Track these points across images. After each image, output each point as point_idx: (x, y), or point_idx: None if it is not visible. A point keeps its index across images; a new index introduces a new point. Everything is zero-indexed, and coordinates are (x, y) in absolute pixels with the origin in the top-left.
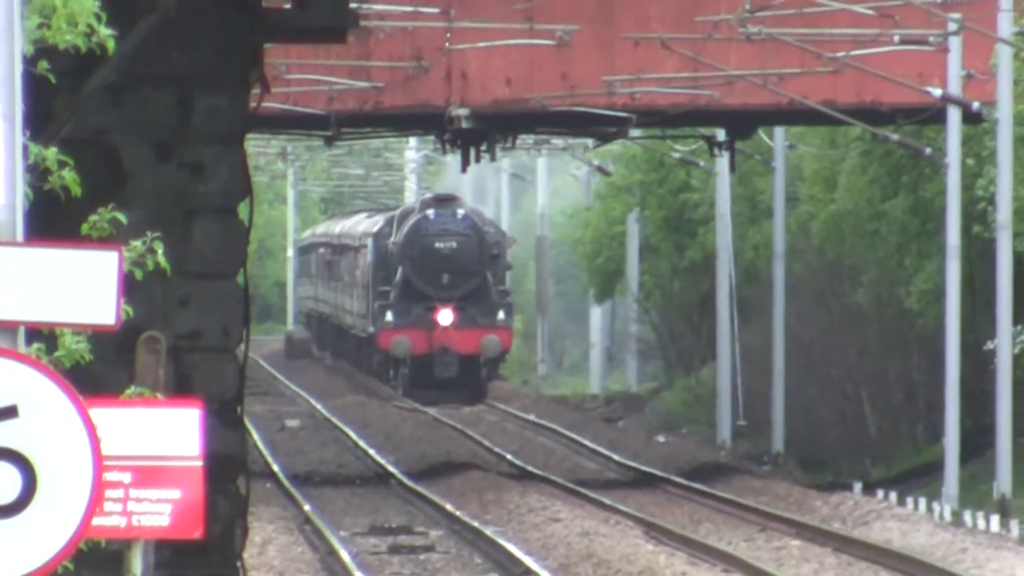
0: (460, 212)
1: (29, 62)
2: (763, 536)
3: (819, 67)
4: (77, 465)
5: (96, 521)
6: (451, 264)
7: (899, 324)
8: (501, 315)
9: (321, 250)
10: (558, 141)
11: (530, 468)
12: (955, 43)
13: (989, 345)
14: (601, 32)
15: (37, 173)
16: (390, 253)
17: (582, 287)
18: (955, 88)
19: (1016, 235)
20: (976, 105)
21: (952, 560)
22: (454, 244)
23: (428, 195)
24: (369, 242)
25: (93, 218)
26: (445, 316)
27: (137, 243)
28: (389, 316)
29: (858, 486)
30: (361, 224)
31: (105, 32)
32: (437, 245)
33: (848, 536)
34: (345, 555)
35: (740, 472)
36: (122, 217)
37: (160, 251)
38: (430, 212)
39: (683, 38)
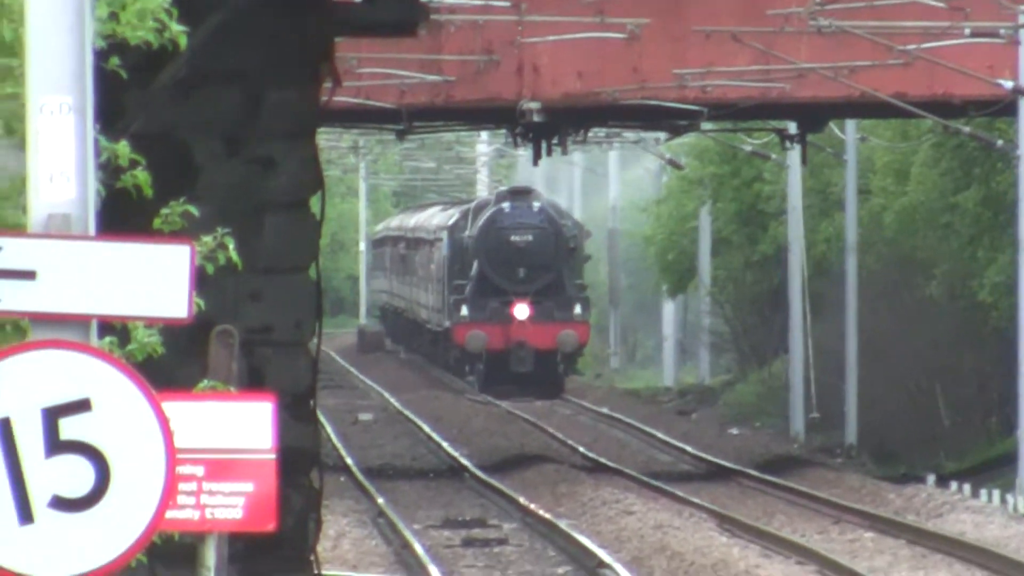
0: (536, 205)
1: (100, 57)
2: (837, 528)
3: (890, 59)
4: (150, 458)
5: (169, 514)
6: (527, 258)
7: (972, 316)
8: (578, 309)
9: (395, 243)
10: (629, 134)
11: (603, 461)
12: None
13: None
14: (671, 25)
15: (109, 171)
16: (465, 247)
17: (655, 282)
18: None
19: None
20: None
21: None
22: (530, 237)
23: (504, 188)
24: (444, 235)
25: (164, 211)
26: (521, 310)
27: (208, 238)
28: (464, 311)
29: (931, 478)
30: (436, 217)
31: (176, 28)
32: (513, 238)
33: (922, 528)
34: (419, 548)
35: (813, 464)
36: (194, 210)
37: (231, 246)
38: (506, 205)
39: (754, 31)
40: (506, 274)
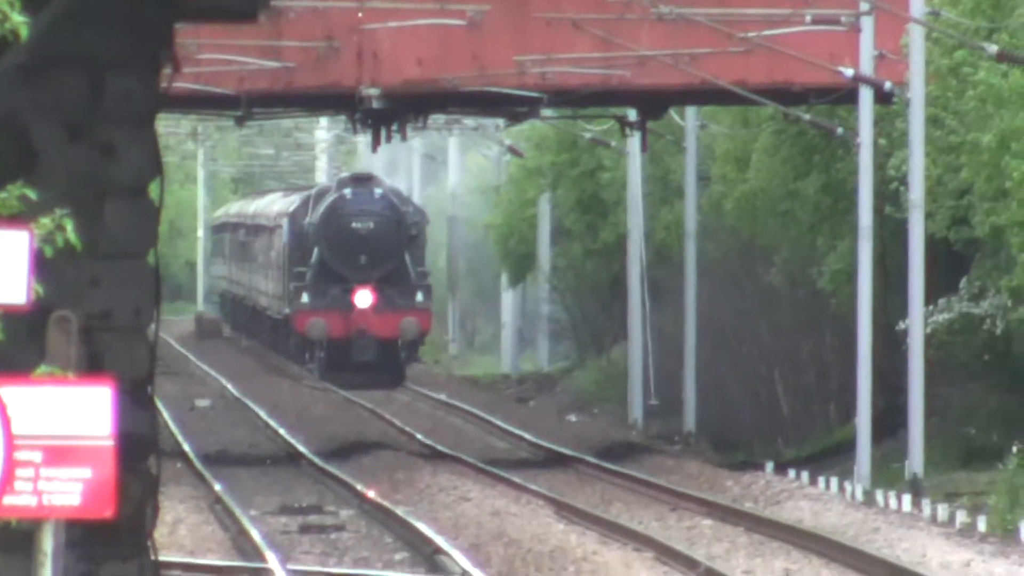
0: (378, 192)
1: None
2: (675, 515)
3: (731, 47)
4: None
5: (6, 500)
6: (369, 245)
7: (812, 304)
8: (420, 297)
9: (235, 230)
10: (469, 121)
11: (441, 448)
12: (867, 23)
13: (901, 325)
14: (513, 12)
15: None
16: (306, 233)
17: (495, 270)
18: (867, 68)
19: (928, 215)
20: (888, 85)
21: (864, 539)
22: (372, 224)
23: (345, 174)
24: (284, 222)
25: (2, 195)
26: (363, 298)
27: (46, 220)
28: (305, 298)
29: (770, 466)
30: (276, 204)
31: (18, 19)
32: (354, 225)
33: (760, 516)
34: (256, 534)
35: (652, 452)
36: (31, 193)
37: (70, 228)
38: (347, 192)
39: (595, 18)
40: (347, 261)
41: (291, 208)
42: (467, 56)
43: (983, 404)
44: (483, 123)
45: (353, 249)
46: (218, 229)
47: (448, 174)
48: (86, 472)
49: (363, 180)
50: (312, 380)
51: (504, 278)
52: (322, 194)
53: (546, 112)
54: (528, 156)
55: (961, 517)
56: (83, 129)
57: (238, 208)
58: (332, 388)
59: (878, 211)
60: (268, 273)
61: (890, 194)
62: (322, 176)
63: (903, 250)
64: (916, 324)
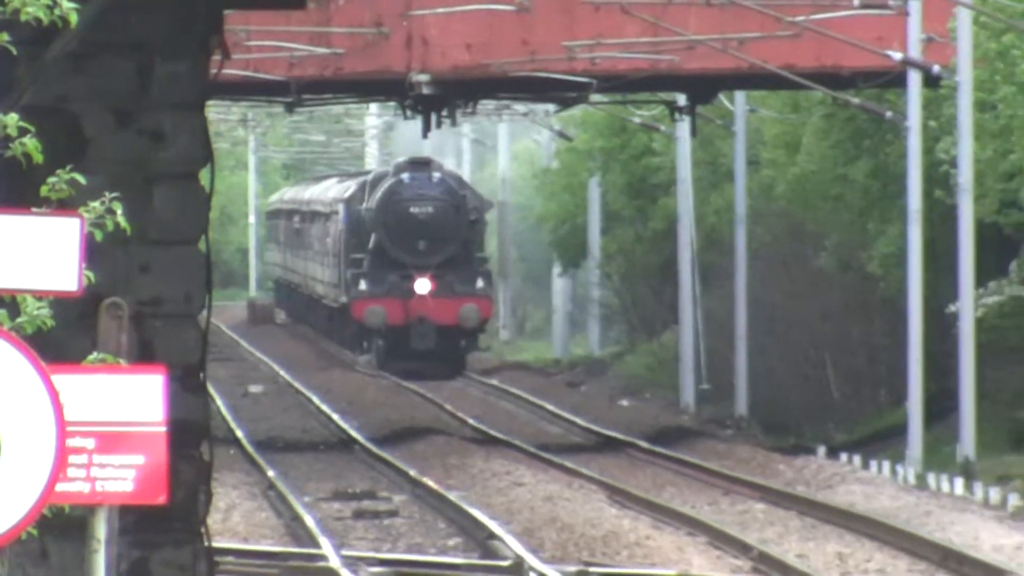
0: (436, 176)
1: None
2: (727, 500)
3: (779, 31)
4: (40, 431)
5: (60, 487)
6: (428, 230)
7: (862, 288)
8: (480, 283)
9: (289, 216)
10: (519, 106)
11: (493, 433)
12: (915, 7)
13: (951, 308)
14: None
15: None
16: (363, 219)
17: (544, 255)
18: (915, 52)
19: (977, 199)
20: (936, 69)
21: (916, 523)
22: (430, 209)
23: (402, 159)
24: (340, 208)
25: (52, 180)
26: (422, 285)
27: (95, 204)
28: (363, 285)
29: (822, 450)
30: (332, 189)
31: (68, 5)
32: (413, 210)
33: (812, 499)
34: (309, 520)
35: (704, 436)
36: (81, 178)
37: (119, 211)
38: (405, 176)
39: (643, 3)
40: (406, 247)
41: (347, 194)
42: (516, 41)
43: None
44: (533, 109)
45: (411, 235)
46: (272, 216)
47: (498, 159)
48: (139, 459)
49: (421, 164)
50: (367, 368)
51: (556, 264)
52: (379, 179)
53: (595, 97)
54: (577, 139)
55: (1013, 500)
56: (132, 115)
57: (292, 194)
58: (384, 375)
59: (927, 195)
60: (324, 260)
61: (939, 178)
62: (372, 162)
63: (953, 234)
64: (966, 307)
